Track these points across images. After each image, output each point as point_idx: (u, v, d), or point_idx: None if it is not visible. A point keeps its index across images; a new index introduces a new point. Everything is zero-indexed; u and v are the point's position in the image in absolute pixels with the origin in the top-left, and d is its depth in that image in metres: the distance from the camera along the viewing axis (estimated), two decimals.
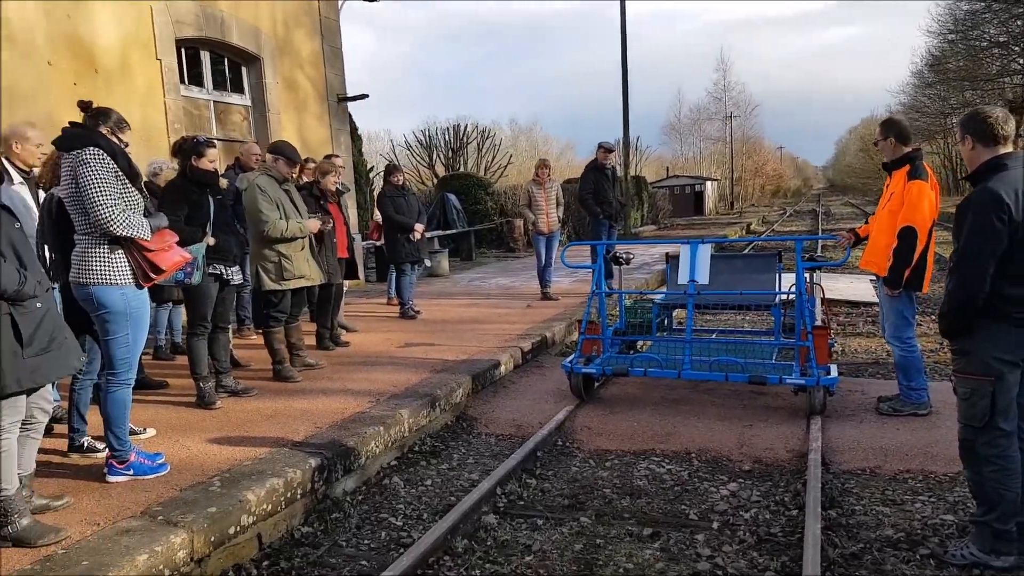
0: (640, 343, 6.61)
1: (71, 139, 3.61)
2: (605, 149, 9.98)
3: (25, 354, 2.90)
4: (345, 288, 7.77)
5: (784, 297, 6.05)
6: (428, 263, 12.11)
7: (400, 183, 8.64)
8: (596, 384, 5.92)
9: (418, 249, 8.60)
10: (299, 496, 3.78)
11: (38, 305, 2.97)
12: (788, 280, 6.24)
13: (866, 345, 7.45)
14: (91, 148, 3.55)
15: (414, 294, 8.98)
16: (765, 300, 6.12)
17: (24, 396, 3.02)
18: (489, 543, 3.56)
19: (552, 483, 4.31)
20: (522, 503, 4.03)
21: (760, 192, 70.77)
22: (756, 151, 71.68)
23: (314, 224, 5.92)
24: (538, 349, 7.21)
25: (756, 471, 4.35)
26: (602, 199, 9.81)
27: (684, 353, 5.30)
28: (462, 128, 27.15)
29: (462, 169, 25.64)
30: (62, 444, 4.20)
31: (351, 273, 7.43)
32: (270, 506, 3.57)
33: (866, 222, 5.42)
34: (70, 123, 3.69)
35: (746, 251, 15.75)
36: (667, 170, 52.80)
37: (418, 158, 27.63)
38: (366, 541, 3.62)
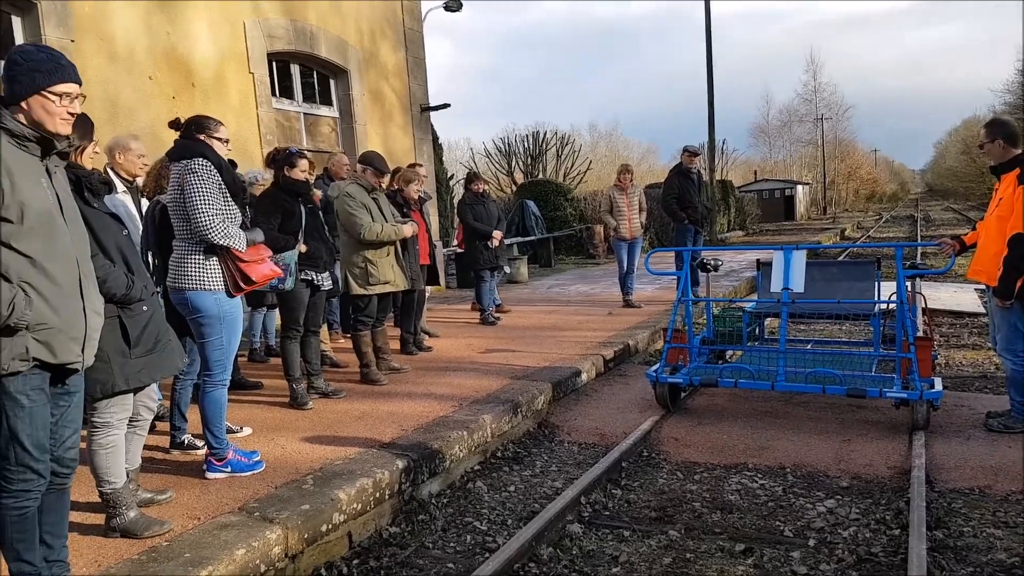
0: (729, 353, 6.43)
1: (181, 149, 3.83)
2: (690, 153, 9.79)
3: (132, 355, 3.03)
4: (427, 294, 7.88)
5: (884, 306, 5.77)
6: (507, 269, 12.17)
7: (480, 191, 8.72)
8: (683, 394, 5.79)
9: (497, 256, 8.64)
10: (387, 497, 3.84)
11: (144, 308, 3.11)
12: (887, 289, 5.95)
13: (972, 358, 7.02)
14: (200, 159, 3.75)
15: (493, 300, 9.03)
16: (864, 309, 5.86)
17: (131, 394, 3.16)
18: (575, 552, 3.51)
19: (638, 494, 4.23)
20: (607, 513, 3.97)
21: (854, 196, 67.92)
22: (849, 154, 68.91)
23: (408, 228, 6.04)
24: (620, 357, 7.12)
25: (855, 488, 4.15)
26: (687, 204, 9.62)
27: (778, 364, 5.11)
28: (541, 135, 27.23)
29: (541, 176, 25.68)
30: (164, 441, 4.40)
31: (432, 279, 7.55)
32: (360, 505, 3.63)
33: (973, 228, 5.12)
34: (181, 136, 3.89)
35: (841, 258, 15.19)
36: (755, 174, 51.48)
37: (497, 165, 27.85)
38: (452, 544, 3.64)
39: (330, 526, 3.43)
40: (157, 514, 3.32)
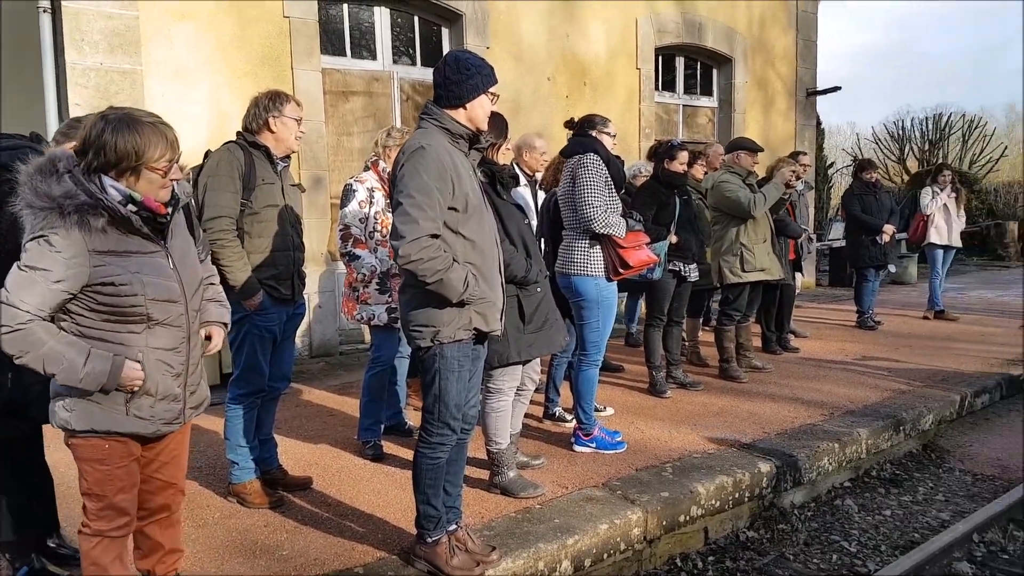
0: None
1: (575, 146, 4.17)
2: None
3: (525, 331, 3.39)
4: (796, 291, 7.44)
5: None
6: (893, 269, 10.95)
7: (872, 180, 7.97)
8: None
9: (884, 253, 7.84)
10: (746, 499, 3.76)
11: (538, 290, 3.45)
12: None
13: None
14: (591, 154, 4.04)
15: (874, 302, 8.21)
16: None
17: (520, 366, 3.53)
18: None
19: None
20: (1006, 557, 3.44)
21: None
22: None
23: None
24: None
25: None
26: None
27: None
28: (944, 118, 23.67)
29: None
30: (537, 411, 4.79)
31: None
32: (718, 503, 3.62)
33: None
34: (574, 134, 4.23)
35: None
36: None
37: (886, 152, 24.96)
38: (815, 560, 3.44)
39: (687, 518, 3.48)
40: (531, 478, 3.65)
